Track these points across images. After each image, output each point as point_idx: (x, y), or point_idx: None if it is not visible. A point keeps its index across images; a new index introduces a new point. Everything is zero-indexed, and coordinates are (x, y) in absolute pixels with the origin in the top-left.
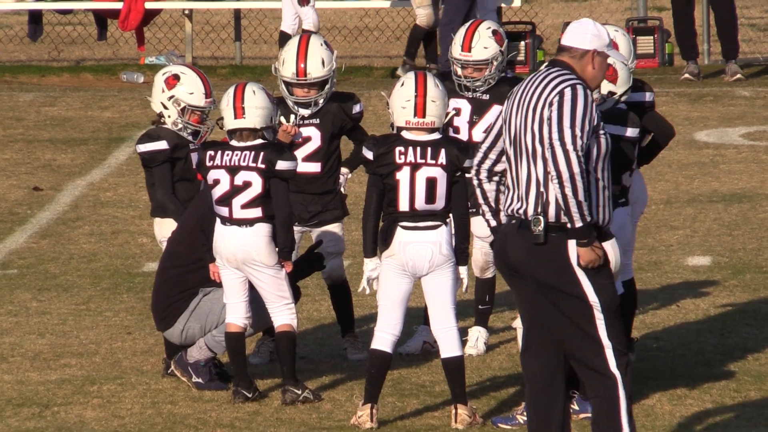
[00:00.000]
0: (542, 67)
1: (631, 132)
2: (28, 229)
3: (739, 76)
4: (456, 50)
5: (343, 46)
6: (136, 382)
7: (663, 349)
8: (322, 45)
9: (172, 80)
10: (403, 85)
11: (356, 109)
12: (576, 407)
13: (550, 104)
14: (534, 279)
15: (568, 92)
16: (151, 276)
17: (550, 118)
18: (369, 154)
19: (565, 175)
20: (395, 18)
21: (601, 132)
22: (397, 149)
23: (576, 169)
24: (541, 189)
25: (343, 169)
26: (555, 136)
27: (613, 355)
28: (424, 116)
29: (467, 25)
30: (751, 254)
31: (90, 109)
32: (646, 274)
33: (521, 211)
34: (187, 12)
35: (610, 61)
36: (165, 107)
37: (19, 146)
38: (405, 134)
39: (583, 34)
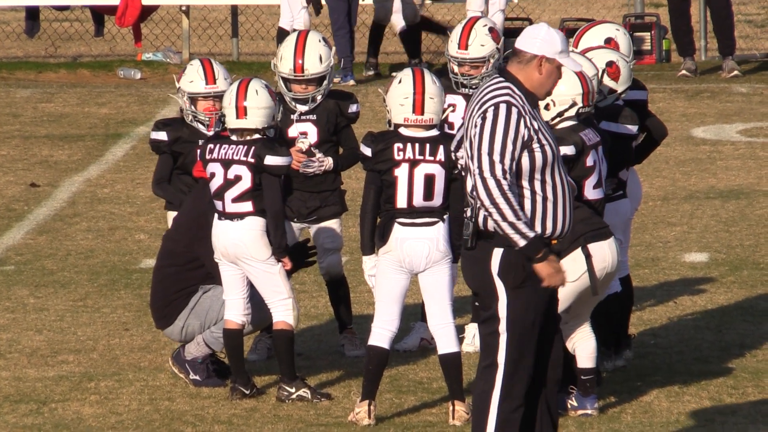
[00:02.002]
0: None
1: (629, 129)
2: (25, 225)
3: (736, 72)
4: (453, 48)
5: None
6: (133, 378)
7: (660, 345)
8: (320, 41)
9: (181, 73)
10: (400, 82)
11: (353, 108)
12: (575, 403)
13: (476, 125)
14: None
15: (490, 114)
16: (149, 272)
17: (471, 141)
18: (367, 151)
19: (487, 203)
20: None
21: (536, 146)
22: (396, 146)
23: (496, 192)
24: (471, 196)
25: (330, 159)
26: (475, 164)
27: (501, 383)
28: (422, 113)
29: (463, 22)
30: (749, 251)
31: (87, 106)
32: (643, 271)
33: (466, 216)
34: (184, 8)
35: (613, 57)
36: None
37: (16, 142)
38: (403, 131)
39: (533, 38)
